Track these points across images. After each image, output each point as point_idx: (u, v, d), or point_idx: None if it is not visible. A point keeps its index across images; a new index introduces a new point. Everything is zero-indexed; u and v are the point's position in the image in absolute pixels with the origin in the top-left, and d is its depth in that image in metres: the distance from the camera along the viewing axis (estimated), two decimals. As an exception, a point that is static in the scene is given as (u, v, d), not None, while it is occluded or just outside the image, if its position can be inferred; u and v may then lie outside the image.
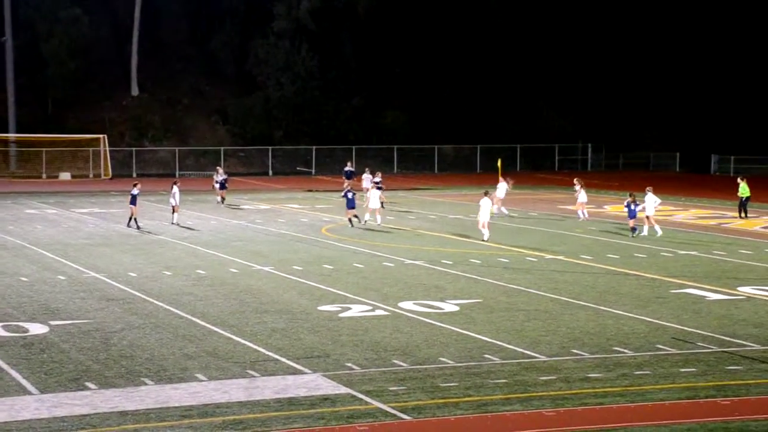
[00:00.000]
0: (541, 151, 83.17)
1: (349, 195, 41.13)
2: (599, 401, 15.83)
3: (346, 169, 57.12)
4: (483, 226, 35.72)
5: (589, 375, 17.35)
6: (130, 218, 39.70)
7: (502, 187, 45.58)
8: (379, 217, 41.08)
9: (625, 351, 19.10)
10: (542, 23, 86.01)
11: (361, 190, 48.16)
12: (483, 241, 35.05)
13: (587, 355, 18.76)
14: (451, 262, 30.60)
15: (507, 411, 15.29)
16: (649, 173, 77.75)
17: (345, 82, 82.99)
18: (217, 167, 54.91)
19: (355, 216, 40.59)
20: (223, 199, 50.21)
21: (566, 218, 44.08)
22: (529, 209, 48.71)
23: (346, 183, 52.91)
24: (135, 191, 40.05)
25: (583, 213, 43.19)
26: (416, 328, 21.09)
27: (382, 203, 41.96)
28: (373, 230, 39.35)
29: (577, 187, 43.62)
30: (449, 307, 23.41)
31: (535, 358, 18.57)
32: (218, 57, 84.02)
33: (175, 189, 40.96)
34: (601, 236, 37.68)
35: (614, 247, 34.46)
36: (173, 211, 40.90)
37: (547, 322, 21.70)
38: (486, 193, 36.91)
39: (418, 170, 78.19)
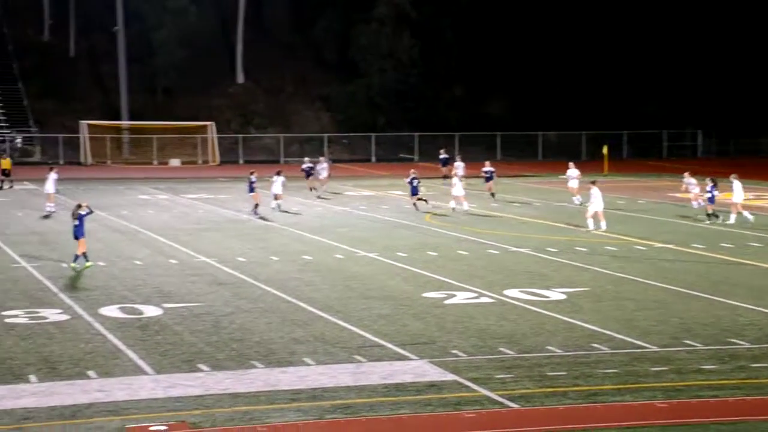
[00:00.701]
0: (648, 137, 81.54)
1: (414, 182, 41.60)
2: (714, 393, 15.51)
3: (441, 156, 57.81)
4: (594, 216, 35.04)
5: (703, 366, 17.00)
6: (255, 206, 40.06)
7: (573, 174, 44.94)
8: (465, 204, 41.00)
9: (741, 343, 18.64)
10: (651, 4, 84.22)
11: (452, 177, 47.75)
12: (592, 230, 34.45)
13: (700, 347, 18.38)
14: (556, 250, 30.33)
15: (617, 401, 15.11)
16: (763, 159, 75.51)
17: (447, 69, 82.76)
18: (320, 157, 55.21)
19: (420, 199, 41.53)
20: (311, 188, 49.09)
21: (674, 206, 43.17)
22: (637, 197, 47.88)
23: (444, 170, 54.36)
24: (253, 178, 40.77)
25: (698, 203, 42.07)
26: (522, 316, 20.98)
27: (492, 193, 44.28)
28: (476, 216, 39.25)
29: (689, 179, 42.11)
30: (555, 295, 23.21)
31: (646, 348, 18.28)
32: (321, 44, 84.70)
33: (277, 178, 41.47)
34: (713, 225, 36.81)
35: (727, 236, 33.63)
36: (275, 198, 41.42)
37: (657, 312, 21.32)
38: (594, 183, 36.23)
39: (521, 157, 77.53)
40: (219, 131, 73.72)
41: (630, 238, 33.02)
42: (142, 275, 25.61)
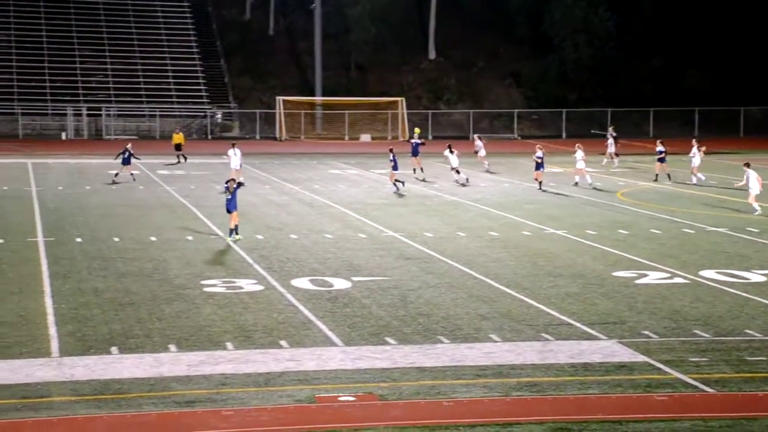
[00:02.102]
0: None
1: (394, 158, 39.93)
2: None
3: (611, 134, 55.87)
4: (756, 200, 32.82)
5: None
6: (539, 183, 40.09)
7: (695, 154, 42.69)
8: (588, 177, 40.74)
9: None
10: None
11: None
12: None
13: None
14: (757, 230, 28.96)
15: (820, 391, 14.31)
16: None
17: (644, 42, 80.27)
18: (475, 135, 54.76)
19: (398, 181, 39.68)
20: (414, 169, 45.95)
21: None
22: None
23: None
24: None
25: None
26: (719, 298, 20.16)
27: (667, 174, 42.37)
28: (671, 194, 37.97)
29: None
30: (756, 277, 22.18)
31: None
32: (514, 19, 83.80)
33: (447, 152, 41.77)
34: None
35: None
36: (456, 172, 41.71)
37: None
38: (747, 165, 33.85)
39: (720, 134, 74.34)
40: (409, 107, 74.33)
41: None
42: (332, 248, 26.16)
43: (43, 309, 18.92)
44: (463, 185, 41.20)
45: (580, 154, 41.80)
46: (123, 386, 14.51)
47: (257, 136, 70.87)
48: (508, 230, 29.49)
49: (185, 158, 50.34)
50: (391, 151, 40.57)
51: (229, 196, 26.59)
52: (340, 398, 14.09)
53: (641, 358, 15.99)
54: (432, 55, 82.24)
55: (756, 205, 32.57)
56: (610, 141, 51.99)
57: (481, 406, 13.83)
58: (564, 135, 74.84)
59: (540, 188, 39.82)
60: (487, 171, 47.44)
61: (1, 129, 66.94)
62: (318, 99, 75.10)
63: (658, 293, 20.69)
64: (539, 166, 40.47)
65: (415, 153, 45.45)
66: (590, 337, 17.31)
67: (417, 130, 52.70)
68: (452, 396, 14.22)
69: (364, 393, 14.31)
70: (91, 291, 20.47)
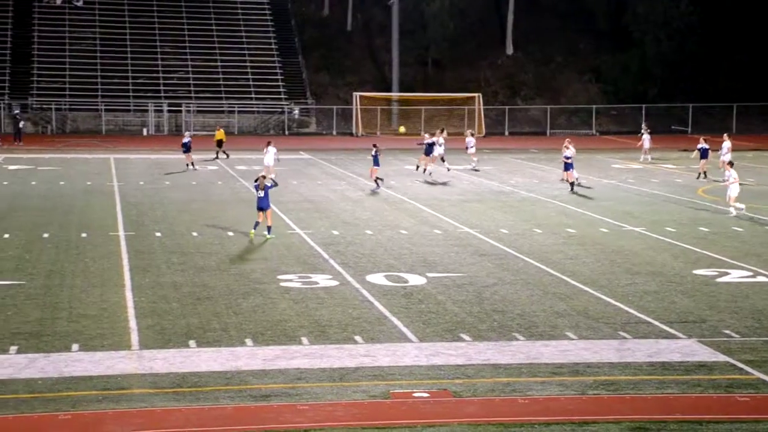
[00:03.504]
0: None
1: (375, 154, 39.13)
2: None
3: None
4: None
5: None
6: (571, 184, 38.53)
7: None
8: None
9: None
10: None
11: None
12: None
13: None
14: (844, 229, 28.17)
15: None
16: None
17: (727, 36, 78.58)
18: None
19: (378, 178, 38.81)
20: (418, 166, 45.46)
21: None
22: None
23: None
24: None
25: None
26: (803, 298, 19.67)
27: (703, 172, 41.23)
28: (753, 192, 37.15)
29: None
30: (842, 277, 21.57)
31: None
32: (594, 13, 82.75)
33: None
34: None
35: None
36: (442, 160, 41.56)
37: None
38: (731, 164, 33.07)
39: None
40: (486, 103, 73.94)
41: None
42: (407, 244, 26.16)
43: (124, 302, 19.28)
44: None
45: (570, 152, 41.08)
46: (200, 379, 14.71)
47: (334, 132, 71.23)
48: (585, 227, 29.16)
49: (227, 155, 50.68)
50: (374, 146, 39.87)
51: (261, 194, 26.55)
52: (415, 394, 14.08)
53: (722, 357, 15.67)
54: (510, 50, 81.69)
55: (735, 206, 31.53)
56: (646, 137, 51.28)
57: (557, 404, 13.70)
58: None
59: (572, 190, 37.73)
60: (474, 169, 45.81)
61: (85, 125, 68.42)
62: (394, 95, 75.17)
63: (740, 292, 20.25)
64: (568, 166, 38.50)
65: (428, 153, 43.67)
66: (669, 336, 17.03)
67: (441, 132, 50.56)
68: (527, 393, 14.11)
69: (438, 389, 14.28)
70: (169, 285, 20.80)
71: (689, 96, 75.61)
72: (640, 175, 44.55)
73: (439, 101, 74.24)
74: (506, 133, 72.79)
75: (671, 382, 14.54)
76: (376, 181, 38.82)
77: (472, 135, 49.97)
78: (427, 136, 46.80)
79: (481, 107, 73.00)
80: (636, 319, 18.17)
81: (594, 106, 75.41)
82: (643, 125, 55.32)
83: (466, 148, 48.36)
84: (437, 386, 14.42)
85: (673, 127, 73.93)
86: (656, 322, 17.89)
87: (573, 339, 16.90)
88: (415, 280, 21.60)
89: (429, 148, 43.93)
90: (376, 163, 39.02)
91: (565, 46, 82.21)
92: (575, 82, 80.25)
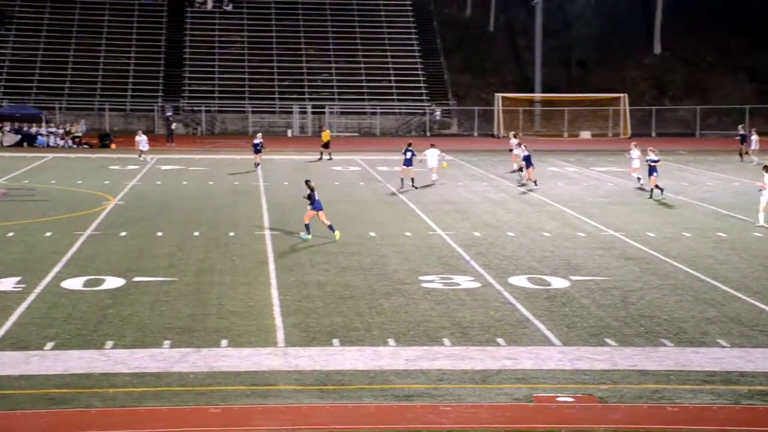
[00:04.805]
0: None
1: (407, 155, 37.94)
2: None
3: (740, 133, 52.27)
4: None
5: None
6: (651, 189, 36.67)
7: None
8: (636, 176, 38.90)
9: None
10: None
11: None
12: None
13: None
14: None
15: None
16: None
17: None
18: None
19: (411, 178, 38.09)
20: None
21: None
22: None
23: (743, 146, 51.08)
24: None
25: None
26: None
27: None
28: None
29: None
30: None
31: None
32: (748, 10, 79.95)
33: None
34: None
35: None
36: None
37: None
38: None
39: None
40: (631, 103, 72.42)
41: None
42: (549, 247, 25.82)
43: (270, 300, 19.67)
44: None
45: (635, 153, 39.53)
46: (344, 378, 14.87)
47: (475, 134, 71.05)
48: (737, 231, 28.18)
49: (330, 157, 50.84)
50: (409, 145, 39.19)
51: (317, 196, 26.31)
52: (559, 399, 13.87)
53: None
54: (657, 49, 79.78)
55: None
56: (754, 138, 50.06)
57: (709, 413, 13.26)
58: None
59: (651, 197, 35.84)
60: (518, 171, 42.37)
61: (233, 126, 70.31)
62: (537, 96, 74.44)
63: None
64: (653, 170, 36.06)
65: (408, 164, 38.73)
66: (829, 347, 16.27)
67: (515, 135, 48.66)
68: (676, 401, 13.71)
69: (583, 394, 14.03)
70: (313, 284, 21.12)
71: None
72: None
73: (583, 102, 73.10)
74: (653, 134, 71.08)
75: (831, 394, 13.89)
76: (411, 180, 38.51)
77: (515, 137, 48.22)
78: (514, 141, 45.62)
79: (627, 108, 71.54)
80: (792, 328, 17.44)
81: (747, 107, 72.81)
82: (743, 127, 53.45)
83: (510, 150, 45.56)
84: (582, 391, 14.16)
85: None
86: (814, 331, 17.13)
87: (725, 347, 16.34)
88: (558, 283, 21.30)
89: (409, 161, 38.75)
90: (408, 163, 38.46)
91: (717, 44, 79.72)
92: (727, 81, 77.72)
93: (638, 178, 39.28)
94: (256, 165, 45.84)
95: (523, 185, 39.60)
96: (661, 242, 26.42)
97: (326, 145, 51.12)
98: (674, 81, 77.89)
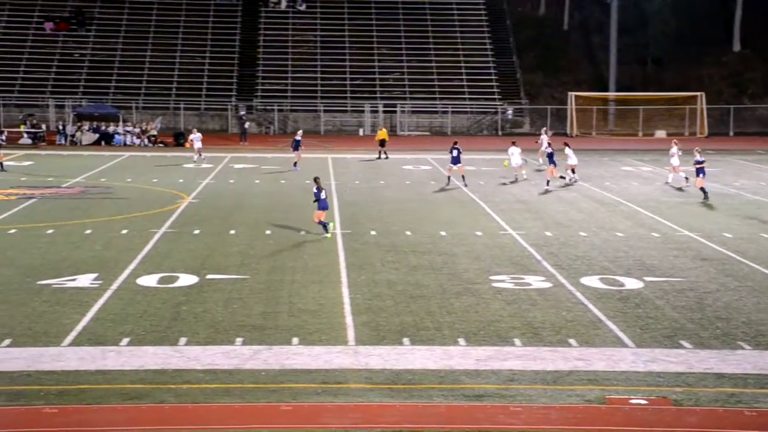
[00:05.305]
0: None
1: (454, 153, 38.08)
2: None
3: None
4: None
5: None
6: (704, 191, 35.89)
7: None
8: (680, 175, 38.18)
9: None
10: None
11: None
12: None
13: None
14: None
15: None
16: None
17: None
18: None
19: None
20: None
21: None
22: None
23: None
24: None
25: None
26: None
27: None
28: None
29: None
30: None
31: None
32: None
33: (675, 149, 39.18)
34: None
35: None
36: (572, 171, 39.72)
37: None
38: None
39: None
40: (709, 102, 71.11)
41: None
42: (623, 247, 25.49)
43: (340, 299, 19.75)
44: (568, 184, 38.80)
45: (674, 149, 38.60)
46: (414, 377, 14.85)
47: (549, 133, 70.33)
48: (817, 232, 27.50)
49: (386, 156, 50.55)
50: (455, 143, 39.14)
51: (323, 195, 26.46)
52: (632, 401, 13.68)
53: None
54: (736, 47, 78.21)
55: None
56: None
57: (786, 419, 12.96)
58: None
59: (705, 198, 34.59)
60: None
61: (306, 125, 70.75)
62: (611, 94, 73.53)
63: None
64: (700, 171, 34.85)
65: (455, 162, 39.01)
66: None
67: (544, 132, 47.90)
68: (754, 406, 13.42)
69: (657, 397, 13.82)
70: (384, 283, 21.14)
71: None
72: None
73: (658, 101, 72.00)
74: (731, 133, 69.72)
75: None
76: (462, 178, 38.65)
77: (546, 133, 47.40)
78: (545, 137, 45.43)
79: (704, 106, 70.28)
80: None
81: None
82: None
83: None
84: (656, 394, 13.95)
85: None
86: None
87: (802, 351, 15.96)
88: (631, 283, 21.01)
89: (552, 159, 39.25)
90: (455, 161, 38.56)
91: (798, 41, 77.86)
92: (810, 79, 75.88)
93: (686, 178, 38.47)
94: (295, 164, 45.13)
95: (568, 185, 39.12)
96: (737, 243, 25.90)
97: (383, 143, 51.13)
98: (754, 79, 76.26)
